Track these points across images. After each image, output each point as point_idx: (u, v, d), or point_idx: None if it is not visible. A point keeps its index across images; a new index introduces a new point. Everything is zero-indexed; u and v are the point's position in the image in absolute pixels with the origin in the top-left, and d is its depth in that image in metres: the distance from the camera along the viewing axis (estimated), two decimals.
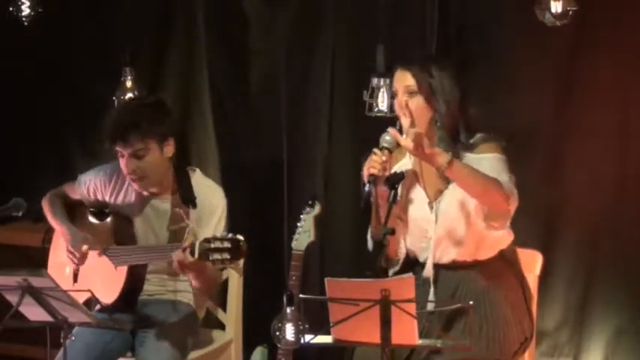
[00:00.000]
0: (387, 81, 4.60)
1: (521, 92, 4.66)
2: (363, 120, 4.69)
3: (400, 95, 3.79)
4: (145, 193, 4.25)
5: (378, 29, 4.79)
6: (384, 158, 3.63)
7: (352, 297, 3.34)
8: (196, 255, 3.84)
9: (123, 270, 4.18)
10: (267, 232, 5.07)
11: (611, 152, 4.58)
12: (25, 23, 5.02)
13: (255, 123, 5.20)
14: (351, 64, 4.97)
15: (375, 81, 4.62)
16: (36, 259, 4.67)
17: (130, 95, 5.01)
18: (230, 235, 3.82)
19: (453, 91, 3.76)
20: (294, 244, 4.04)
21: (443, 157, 3.60)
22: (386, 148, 3.65)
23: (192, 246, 3.87)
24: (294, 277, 3.97)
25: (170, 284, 4.31)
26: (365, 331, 3.38)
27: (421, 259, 3.84)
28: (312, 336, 3.45)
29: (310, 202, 4.08)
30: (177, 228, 4.22)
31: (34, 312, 3.71)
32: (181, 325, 4.25)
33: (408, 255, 3.88)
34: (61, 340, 3.72)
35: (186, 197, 4.21)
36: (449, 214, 3.76)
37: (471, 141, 3.75)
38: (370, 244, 3.87)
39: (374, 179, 3.61)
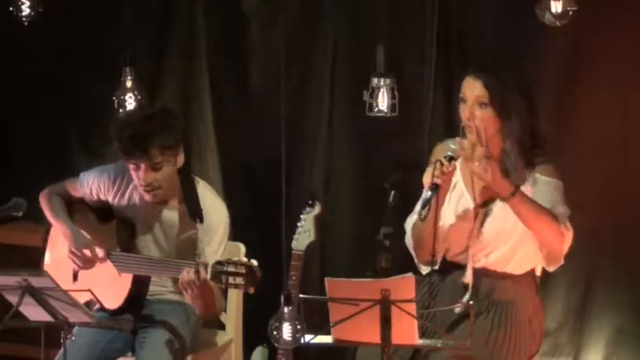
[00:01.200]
0: (387, 81, 4.60)
1: None
2: (363, 120, 4.69)
3: (470, 104, 3.73)
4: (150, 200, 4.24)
5: (378, 29, 4.80)
6: (450, 169, 3.62)
7: (352, 297, 3.34)
8: (209, 275, 3.83)
9: (128, 276, 4.17)
10: (267, 232, 5.07)
11: (612, 152, 4.58)
12: (25, 23, 5.02)
13: (255, 123, 5.20)
14: (351, 64, 4.96)
15: (375, 81, 4.62)
16: (36, 259, 4.66)
17: (129, 95, 5.01)
18: (245, 261, 3.81)
19: (524, 104, 3.72)
20: (294, 244, 4.04)
21: (508, 187, 3.61)
22: (452, 158, 3.63)
23: (205, 266, 3.86)
24: (294, 277, 3.97)
25: (171, 284, 4.30)
26: (365, 331, 3.38)
27: (455, 260, 3.84)
28: (312, 336, 3.45)
29: (310, 202, 4.08)
30: (187, 237, 4.21)
31: (34, 312, 3.70)
32: (181, 325, 4.24)
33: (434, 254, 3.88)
34: (61, 340, 3.72)
35: (194, 211, 4.19)
36: (497, 224, 3.76)
37: (535, 158, 3.74)
38: (410, 243, 3.86)
39: (436, 188, 3.61)
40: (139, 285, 4.19)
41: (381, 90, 4.60)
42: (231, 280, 3.77)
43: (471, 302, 3.50)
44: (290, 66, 5.07)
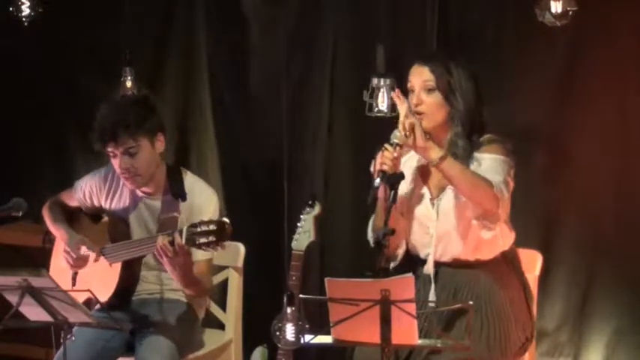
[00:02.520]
0: (387, 81, 4.60)
1: (521, 92, 4.66)
2: (363, 120, 4.69)
3: (418, 91, 3.76)
4: (139, 193, 4.26)
5: (378, 29, 4.80)
6: (395, 154, 3.62)
7: (352, 297, 3.34)
8: (184, 240, 3.85)
9: (117, 268, 4.19)
10: (267, 232, 5.07)
11: (611, 152, 4.58)
12: (25, 23, 5.02)
13: (255, 123, 5.20)
14: (351, 64, 4.97)
15: (375, 81, 4.62)
16: (36, 259, 4.66)
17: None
18: (216, 219, 3.85)
19: (470, 88, 3.75)
20: (294, 244, 4.04)
21: (435, 152, 3.61)
22: (397, 144, 3.64)
23: (180, 231, 3.88)
24: (294, 277, 3.97)
25: (170, 283, 4.30)
26: (365, 331, 3.38)
27: (422, 255, 3.84)
28: (312, 336, 3.45)
29: (310, 202, 4.08)
30: (168, 217, 4.21)
31: (34, 312, 3.70)
32: (181, 324, 4.25)
33: (409, 251, 3.88)
34: (61, 340, 3.72)
35: (176, 191, 4.22)
36: (450, 211, 3.76)
37: (481, 140, 3.75)
38: (370, 237, 3.87)
39: (383, 175, 3.61)
40: (127, 275, 4.20)
41: (381, 90, 4.60)
42: (203, 239, 3.80)
43: (471, 302, 3.50)
44: (290, 66, 5.08)
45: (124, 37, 5.16)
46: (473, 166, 3.71)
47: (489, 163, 3.70)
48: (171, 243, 3.90)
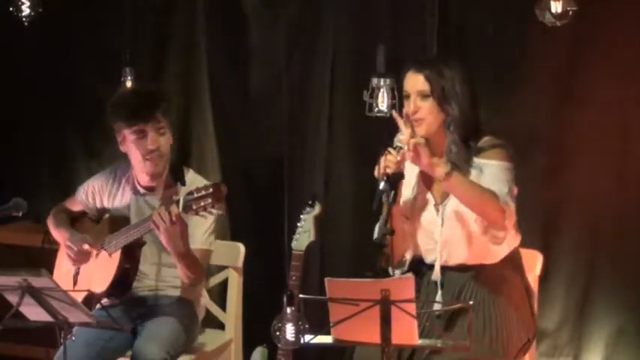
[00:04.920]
0: (387, 81, 4.60)
1: (521, 92, 4.66)
2: (363, 120, 4.69)
3: (413, 98, 3.75)
4: (141, 190, 4.28)
5: (378, 29, 4.80)
6: (399, 158, 3.63)
7: (352, 297, 3.34)
8: (180, 208, 3.87)
9: (116, 257, 4.20)
10: (267, 232, 5.07)
11: (611, 152, 4.58)
12: (25, 23, 5.02)
13: (255, 123, 5.20)
14: (351, 64, 4.97)
15: (375, 81, 4.62)
16: (36, 259, 4.66)
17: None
18: (211, 182, 3.88)
19: (465, 93, 3.74)
20: (294, 244, 4.04)
21: (441, 169, 3.61)
22: (400, 148, 3.64)
23: (177, 201, 3.90)
24: (294, 277, 3.97)
25: (170, 279, 4.31)
26: (365, 331, 3.38)
27: (427, 261, 3.84)
28: (312, 336, 3.45)
29: (310, 202, 4.08)
30: (168, 198, 4.22)
31: (34, 312, 3.70)
32: (180, 320, 4.24)
33: (416, 257, 3.88)
34: (61, 340, 3.72)
35: (176, 177, 4.26)
36: (454, 217, 3.76)
37: (480, 144, 3.75)
38: (377, 237, 3.87)
39: (388, 179, 3.61)
40: (126, 261, 4.20)
41: (381, 90, 4.61)
42: (201, 203, 3.82)
43: (471, 302, 3.50)
44: (290, 66, 5.08)
45: (124, 37, 5.15)
46: (474, 173, 3.70)
47: (492, 170, 3.69)
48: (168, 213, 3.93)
